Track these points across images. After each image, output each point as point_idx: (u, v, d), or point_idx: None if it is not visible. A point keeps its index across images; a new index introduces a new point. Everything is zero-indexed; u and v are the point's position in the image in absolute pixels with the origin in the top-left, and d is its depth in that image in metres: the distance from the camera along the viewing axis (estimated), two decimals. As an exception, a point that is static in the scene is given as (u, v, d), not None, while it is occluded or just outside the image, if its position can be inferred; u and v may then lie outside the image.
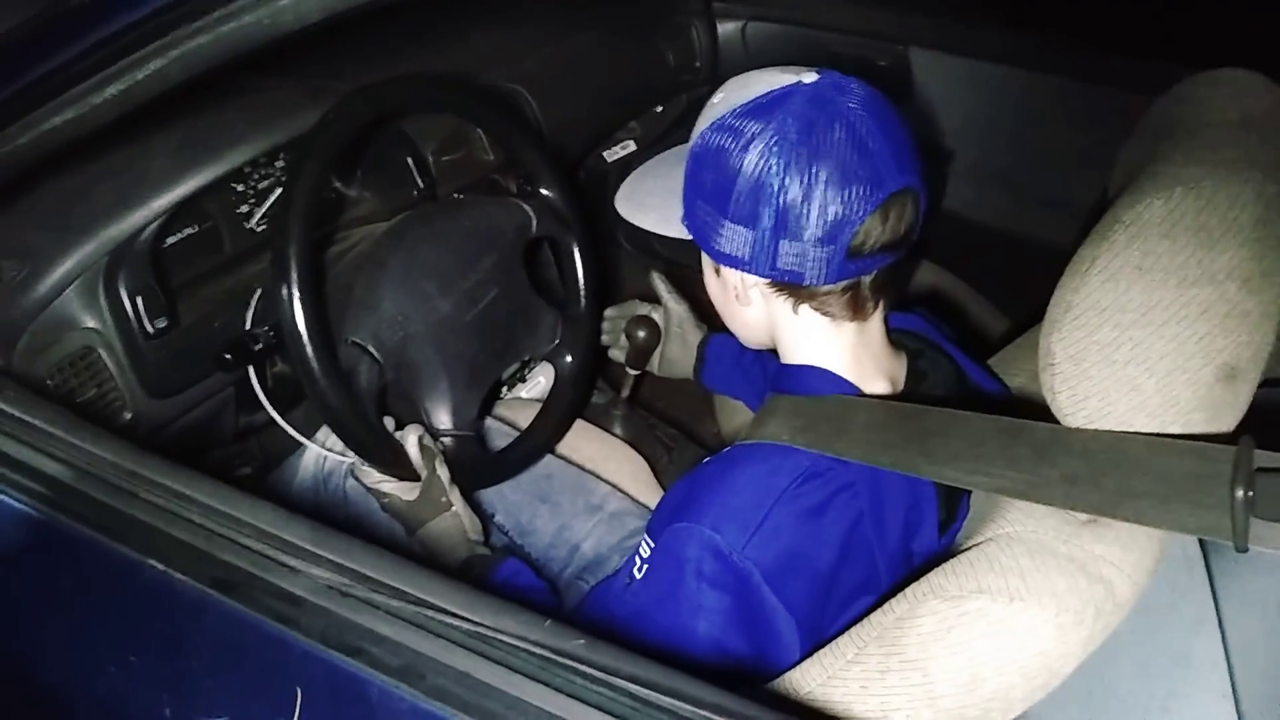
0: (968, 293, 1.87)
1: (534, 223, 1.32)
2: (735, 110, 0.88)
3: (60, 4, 0.87)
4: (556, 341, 1.36)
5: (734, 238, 0.88)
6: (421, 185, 1.44)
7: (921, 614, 0.80)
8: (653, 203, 1.03)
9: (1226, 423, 0.73)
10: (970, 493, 1.00)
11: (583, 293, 1.38)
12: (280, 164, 1.32)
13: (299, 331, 1.01)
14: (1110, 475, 0.72)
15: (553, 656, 0.69)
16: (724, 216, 0.88)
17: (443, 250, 1.23)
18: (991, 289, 1.87)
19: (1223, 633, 0.86)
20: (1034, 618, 0.76)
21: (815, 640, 0.88)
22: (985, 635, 0.77)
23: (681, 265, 2.17)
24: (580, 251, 1.36)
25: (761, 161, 0.85)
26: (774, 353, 1.02)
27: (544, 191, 1.34)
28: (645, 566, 0.91)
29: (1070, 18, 1.66)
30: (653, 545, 0.91)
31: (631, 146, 2.18)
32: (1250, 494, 0.64)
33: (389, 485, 1.13)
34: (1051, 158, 1.86)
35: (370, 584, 0.76)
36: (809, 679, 0.84)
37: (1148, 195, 0.69)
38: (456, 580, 0.77)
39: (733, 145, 0.87)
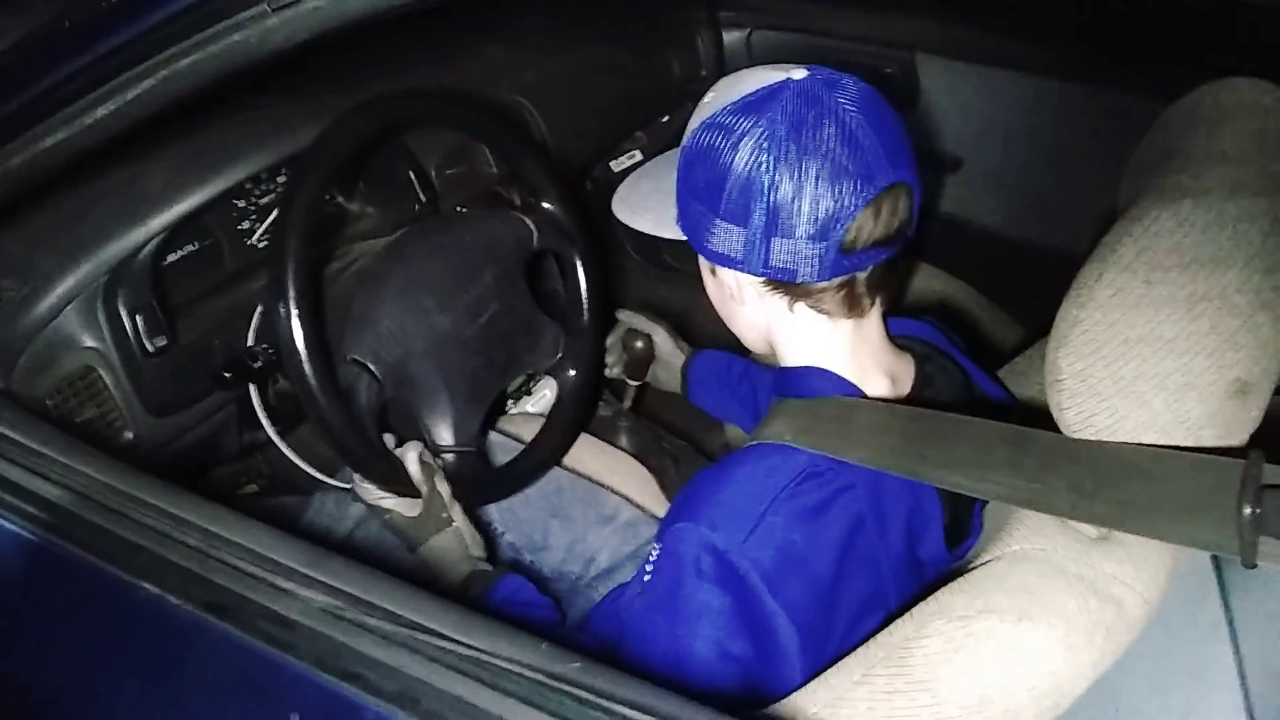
0: (979, 301, 1.85)
1: (535, 236, 1.31)
2: (725, 108, 0.88)
3: (51, 26, 0.86)
4: (559, 355, 1.34)
5: (726, 236, 0.88)
6: (424, 199, 1.43)
7: (929, 634, 0.78)
8: (648, 204, 1.02)
9: (1238, 438, 0.71)
10: (982, 508, 0.98)
11: (585, 306, 1.37)
12: (282, 179, 1.32)
13: (297, 350, 1.00)
14: (1117, 487, 0.71)
15: (549, 680, 0.68)
16: (716, 215, 0.88)
17: (442, 265, 1.22)
18: (1003, 296, 1.85)
19: (1236, 647, 0.84)
20: (1043, 638, 0.74)
21: (819, 651, 0.86)
22: (994, 656, 0.75)
23: (691, 275, 2.16)
24: (583, 265, 1.35)
25: (751, 158, 0.84)
26: (767, 367, 1.01)
27: (545, 205, 1.33)
28: (648, 573, 0.91)
29: (1078, 23, 1.65)
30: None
31: (638, 156, 2.17)
32: (1258, 510, 0.62)
33: (389, 502, 1.12)
34: (1062, 163, 1.84)
35: (364, 607, 0.75)
36: (816, 700, 0.82)
37: (1155, 209, 0.68)
38: (452, 602, 0.76)
39: (723, 143, 0.86)
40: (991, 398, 1.03)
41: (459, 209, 1.52)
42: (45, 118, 0.83)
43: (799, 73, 0.87)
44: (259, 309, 1.24)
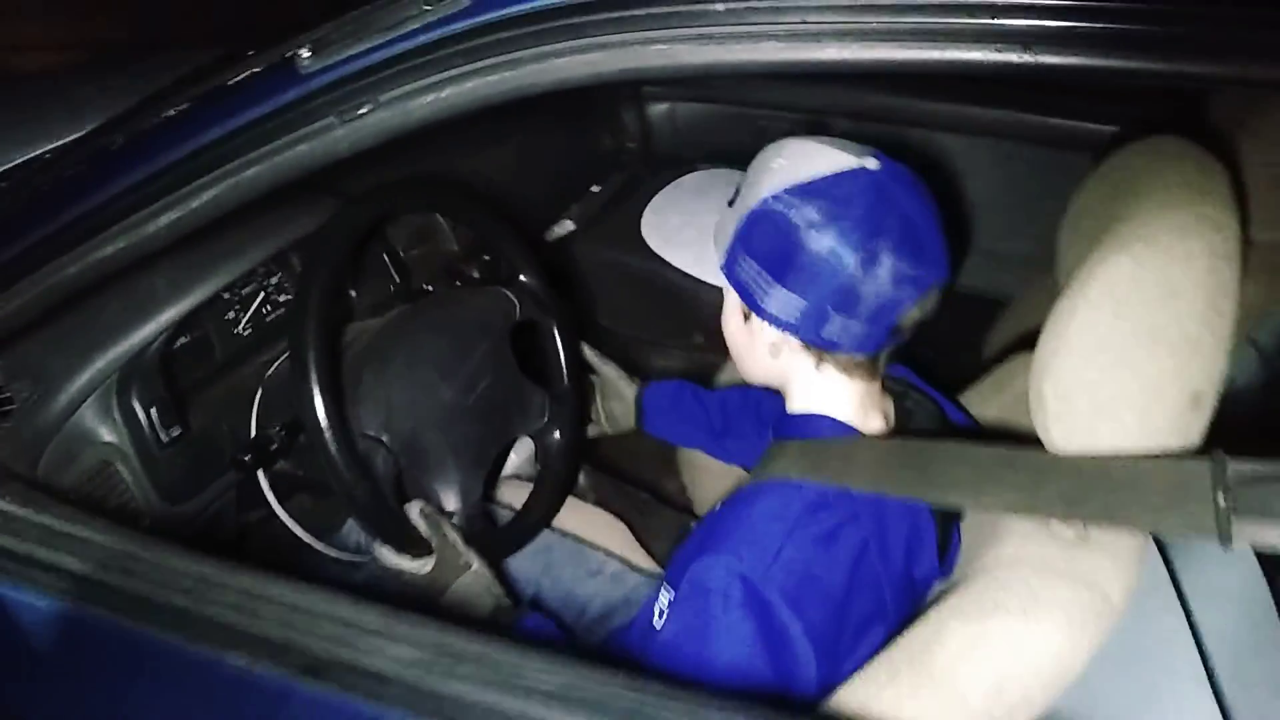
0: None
1: (518, 308, 1.39)
2: (799, 185, 0.95)
3: (100, 139, 0.92)
4: (546, 419, 1.42)
5: (785, 302, 0.96)
6: (397, 280, 1.51)
7: (946, 635, 0.88)
8: (684, 240, 1.10)
9: (1196, 441, 0.83)
10: (960, 521, 1.09)
11: (565, 371, 1.45)
12: (263, 270, 1.37)
13: (322, 430, 1.05)
14: (1103, 491, 0.81)
15: (638, 704, 0.76)
16: (778, 281, 0.96)
17: (441, 341, 1.29)
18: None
19: (1190, 623, 0.97)
20: (1047, 628, 0.85)
21: (832, 668, 0.94)
22: (1006, 648, 0.85)
23: (642, 342, 2.25)
24: (560, 332, 1.44)
25: (827, 242, 0.92)
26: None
27: (523, 279, 1.42)
28: (670, 606, 0.97)
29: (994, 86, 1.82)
30: (674, 591, 0.97)
31: (570, 225, 2.26)
32: (1231, 498, 0.74)
33: (405, 564, 1.17)
34: (982, 213, 2.00)
35: (449, 656, 0.81)
36: (847, 706, 0.91)
37: (1115, 252, 0.80)
38: (528, 643, 0.83)
39: (798, 219, 0.93)
40: (962, 424, 1.15)
41: (425, 286, 1.60)
42: (106, 227, 0.88)
43: (871, 162, 0.95)
44: (259, 393, 1.29)
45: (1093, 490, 0.83)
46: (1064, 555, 0.89)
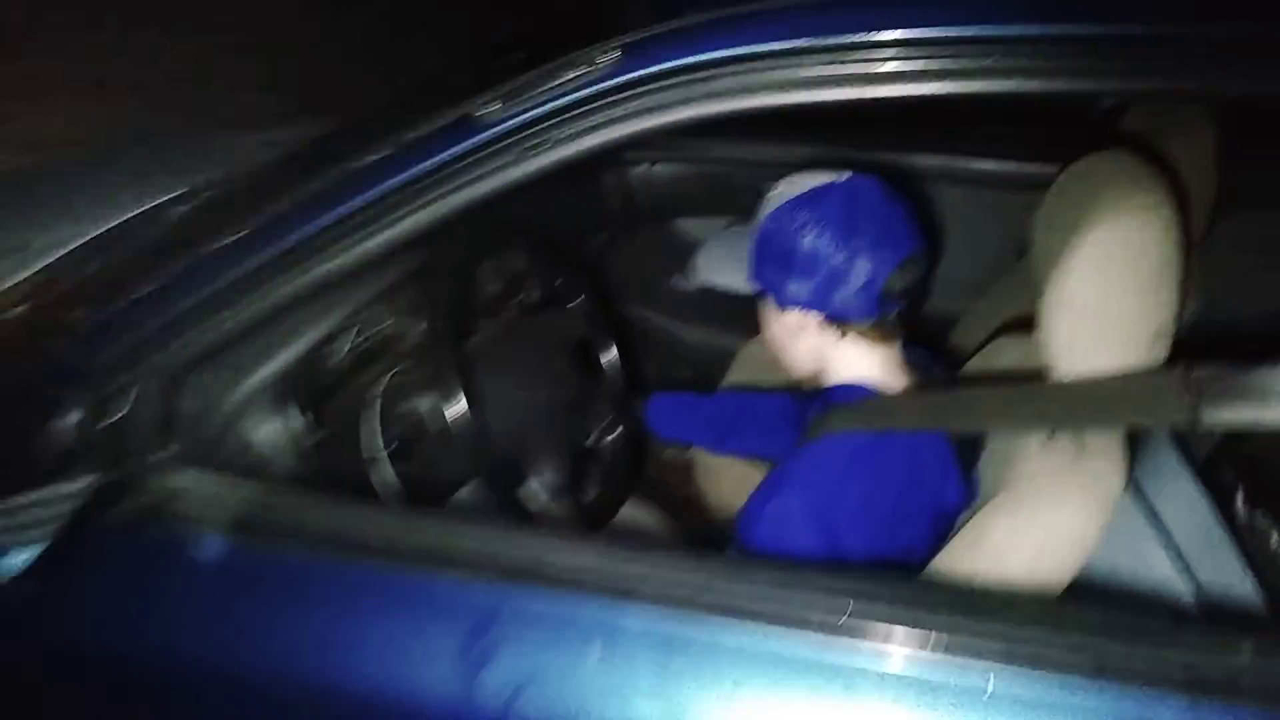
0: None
1: (580, 326, 1.66)
2: (792, 200, 1.26)
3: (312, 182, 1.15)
4: (611, 418, 1.68)
5: (798, 289, 1.25)
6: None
7: (992, 528, 1.14)
8: (725, 268, 1.42)
9: (1160, 362, 1.09)
10: (977, 462, 1.35)
11: (621, 376, 1.72)
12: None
13: (471, 425, 1.30)
14: (1100, 403, 1.08)
15: (786, 573, 1.00)
16: (789, 275, 1.25)
17: (535, 354, 1.56)
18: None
19: (1141, 494, 1.24)
20: (1070, 514, 1.11)
21: None
22: (1040, 532, 1.11)
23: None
24: (615, 346, 1.71)
25: (815, 236, 1.22)
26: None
27: (583, 301, 1.69)
28: (748, 545, 1.18)
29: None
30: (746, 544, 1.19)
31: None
32: (1197, 396, 1.02)
33: None
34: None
35: (628, 552, 1.03)
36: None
37: (1096, 232, 1.07)
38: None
39: (791, 226, 1.24)
40: (965, 390, 1.43)
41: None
42: (329, 248, 1.10)
43: (842, 176, 1.26)
44: (366, 410, 1.50)
45: (1092, 403, 1.10)
46: (1072, 462, 1.16)
